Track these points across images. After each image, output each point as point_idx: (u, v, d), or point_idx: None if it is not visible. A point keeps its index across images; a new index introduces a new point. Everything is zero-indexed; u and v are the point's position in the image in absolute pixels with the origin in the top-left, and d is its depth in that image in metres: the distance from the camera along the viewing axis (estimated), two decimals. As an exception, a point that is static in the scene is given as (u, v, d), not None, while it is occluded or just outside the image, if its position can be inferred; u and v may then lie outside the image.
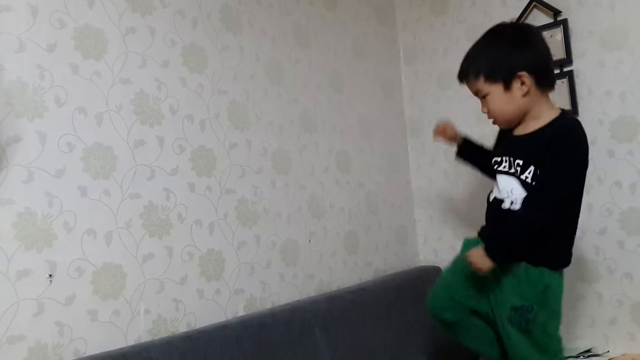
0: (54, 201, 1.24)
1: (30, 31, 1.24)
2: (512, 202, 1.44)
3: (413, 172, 2.49)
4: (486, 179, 1.68)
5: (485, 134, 2.24)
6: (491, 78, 1.43)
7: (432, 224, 2.44)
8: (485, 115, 1.51)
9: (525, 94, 1.40)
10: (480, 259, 1.41)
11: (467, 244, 1.58)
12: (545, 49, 1.45)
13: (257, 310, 1.64)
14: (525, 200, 1.42)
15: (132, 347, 1.27)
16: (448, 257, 2.38)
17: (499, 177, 1.50)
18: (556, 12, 2.05)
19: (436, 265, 2.34)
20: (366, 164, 2.22)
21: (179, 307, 1.47)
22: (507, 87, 1.41)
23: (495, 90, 1.43)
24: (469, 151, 1.77)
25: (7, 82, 1.20)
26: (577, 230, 2.05)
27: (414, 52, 2.49)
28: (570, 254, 1.49)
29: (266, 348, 1.45)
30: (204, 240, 1.56)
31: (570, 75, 2.03)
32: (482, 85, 1.45)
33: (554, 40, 2.06)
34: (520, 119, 1.46)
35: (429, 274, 2.21)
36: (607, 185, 1.98)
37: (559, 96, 2.05)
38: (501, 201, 1.47)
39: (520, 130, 1.47)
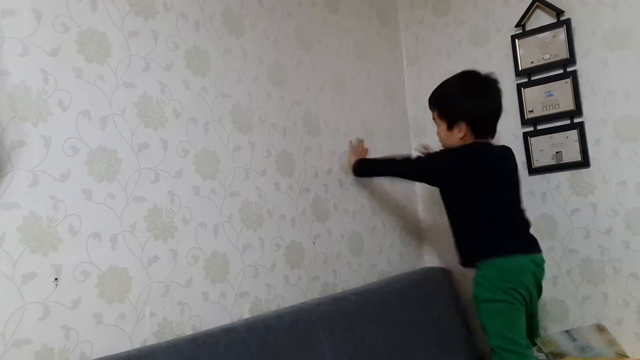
0: (58, 205, 1.24)
1: (34, 35, 1.25)
2: None
3: (417, 174, 2.48)
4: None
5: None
6: (441, 115, 1.81)
7: (436, 224, 2.43)
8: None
9: (462, 137, 1.76)
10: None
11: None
12: (495, 106, 1.79)
13: (262, 312, 1.64)
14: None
15: (138, 350, 1.27)
16: (452, 257, 2.38)
17: None
18: (559, 12, 2.05)
19: (441, 266, 2.33)
20: (370, 166, 2.21)
21: (184, 309, 1.47)
22: (450, 127, 1.78)
23: (442, 125, 1.81)
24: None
25: (11, 87, 1.20)
26: (582, 230, 2.06)
27: (416, 54, 2.49)
28: (494, 245, 1.73)
29: (271, 350, 1.45)
30: (208, 243, 1.56)
31: (573, 75, 2.03)
32: (435, 116, 1.83)
33: (557, 40, 2.06)
34: None
35: (433, 275, 2.21)
36: (612, 185, 1.97)
37: (563, 96, 2.05)
38: None
39: None
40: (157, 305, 1.41)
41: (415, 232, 2.43)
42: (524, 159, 2.16)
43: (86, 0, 1.35)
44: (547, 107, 2.09)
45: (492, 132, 1.82)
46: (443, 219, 2.39)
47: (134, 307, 1.36)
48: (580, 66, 2.03)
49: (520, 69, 2.15)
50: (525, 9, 2.13)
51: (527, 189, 2.16)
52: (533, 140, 2.13)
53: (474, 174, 1.74)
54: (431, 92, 1.88)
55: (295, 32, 1.97)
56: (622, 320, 1.96)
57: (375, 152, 2.25)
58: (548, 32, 2.08)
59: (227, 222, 1.62)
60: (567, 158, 2.06)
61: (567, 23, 2.04)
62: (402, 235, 2.35)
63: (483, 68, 2.25)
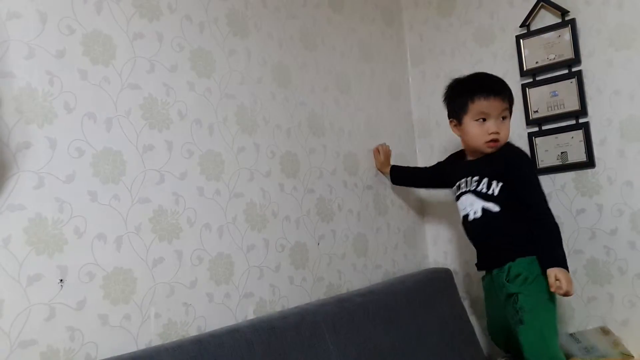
0: (64, 206, 1.25)
1: (40, 38, 1.25)
2: (474, 212, 1.80)
3: (421, 174, 2.48)
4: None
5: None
6: (511, 110, 1.83)
7: (441, 225, 2.43)
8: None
9: None
10: (565, 277, 1.60)
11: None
12: None
13: (267, 313, 1.64)
14: (524, 208, 1.73)
15: (143, 351, 1.28)
16: (457, 259, 2.38)
17: (462, 197, 1.86)
18: (564, 12, 2.05)
19: (446, 267, 2.33)
20: (374, 166, 2.21)
21: (189, 311, 1.47)
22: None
23: (508, 119, 1.81)
24: (401, 176, 2.22)
25: (17, 89, 1.21)
26: (587, 231, 2.06)
27: (421, 54, 2.49)
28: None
29: (276, 351, 1.45)
30: (213, 244, 1.56)
31: (578, 75, 2.02)
32: (507, 110, 1.80)
33: (562, 40, 2.05)
34: None
35: (438, 276, 2.20)
36: (618, 186, 1.96)
37: (568, 96, 2.04)
38: (467, 216, 1.84)
39: (472, 157, 1.88)
40: (162, 306, 1.41)
41: (419, 233, 2.43)
42: (529, 160, 2.15)
43: (91, 2, 1.36)
44: (552, 107, 2.08)
45: None
46: (447, 220, 2.39)
47: (139, 308, 1.36)
48: (585, 66, 2.02)
49: (525, 69, 2.15)
50: (530, 9, 2.12)
51: (532, 190, 2.16)
52: (538, 141, 2.13)
53: None
54: (502, 82, 1.84)
55: (299, 33, 1.97)
56: (628, 320, 1.95)
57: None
58: (553, 32, 2.08)
59: (232, 223, 1.62)
60: (572, 158, 2.05)
61: (572, 23, 2.03)
62: (407, 236, 2.35)
63: (488, 68, 2.26)
